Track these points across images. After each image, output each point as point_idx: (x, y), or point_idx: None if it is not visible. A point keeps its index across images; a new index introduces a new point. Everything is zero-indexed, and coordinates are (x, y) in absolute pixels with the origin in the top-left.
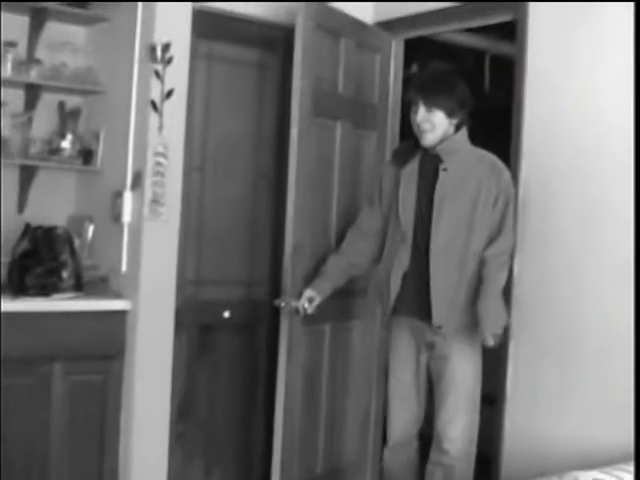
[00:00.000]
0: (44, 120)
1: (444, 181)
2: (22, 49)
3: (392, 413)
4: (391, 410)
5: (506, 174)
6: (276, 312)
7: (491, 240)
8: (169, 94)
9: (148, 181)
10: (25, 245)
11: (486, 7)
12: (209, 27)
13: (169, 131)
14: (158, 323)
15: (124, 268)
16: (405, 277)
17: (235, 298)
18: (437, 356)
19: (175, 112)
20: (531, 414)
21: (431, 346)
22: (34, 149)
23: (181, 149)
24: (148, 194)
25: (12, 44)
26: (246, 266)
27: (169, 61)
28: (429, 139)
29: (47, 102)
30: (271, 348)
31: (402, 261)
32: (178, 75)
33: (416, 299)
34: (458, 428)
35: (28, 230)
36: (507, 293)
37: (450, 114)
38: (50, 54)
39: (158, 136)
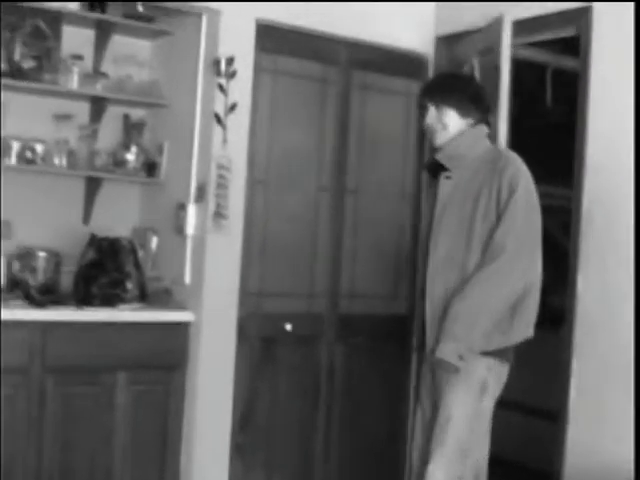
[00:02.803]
0: (109, 132)
1: (445, 190)
2: (88, 62)
3: (412, 448)
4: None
5: (511, 167)
6: (336, 325)
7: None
8: (233, 107)
9: (211, 194)
10: (91, 256)
11: (549, 21)
12: (272, 41)
13: (232, 144)
14: (221, 335)
15: (187, 280)
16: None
17: (297, 311)
18: (434, 386)
19: (238, 125)
20: (594, 432)
21: (433, 374)
22: (99, 161)
23: (244, 162)
24: (211, 207)
25: (79, 57)
26: (308, 279)
27: (233, 75)
28: (441, 139)
29: (112, 115)
30: (332, 360)
31: (419, 283)
32: (242, 89)
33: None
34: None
35: (94, 241)
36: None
37: (463, 113)
38: (115, 67)
39: (222, 149)
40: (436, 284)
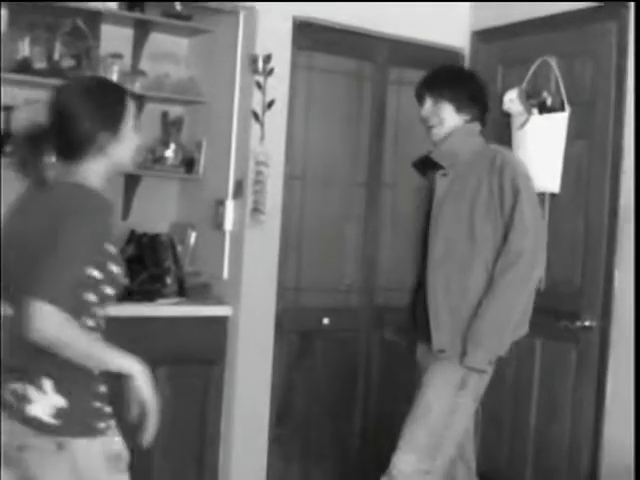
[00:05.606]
0: (148, 130)
1: (441, 187)
2: (127, 60)
3: None
4: None
5: (510, 168)
6: (373, 318)
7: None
8: (270, 105)
9: (249, 190)
10: (130, 251)
11: (586, 14)
12: (309, 38)
13: (270, 141)
14: (259, 329)
15: (226, 275)
16: (415, 298)
17: (334, 305)
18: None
19: (276, 122)
20: (631, 428)
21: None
22: (138, 158)
23: (281, 158)
24: (249, 202)
25: (118, 56)
26: (344, 273)
27: (270, 72)
28: (436, 135)
29: (151, 112)
30: (369, 354)
31: (412, 279)
32: (279, 86)
33: (422, 321)
34: (407, 469)
35: (133, 237)
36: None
37: (459, 108)
38: (153, 65)
39: (259, 146)
40: (437, 277)
